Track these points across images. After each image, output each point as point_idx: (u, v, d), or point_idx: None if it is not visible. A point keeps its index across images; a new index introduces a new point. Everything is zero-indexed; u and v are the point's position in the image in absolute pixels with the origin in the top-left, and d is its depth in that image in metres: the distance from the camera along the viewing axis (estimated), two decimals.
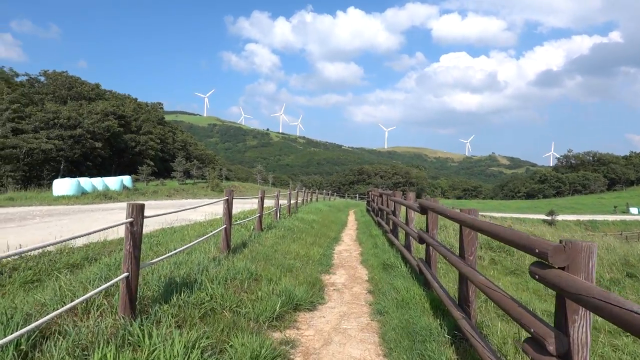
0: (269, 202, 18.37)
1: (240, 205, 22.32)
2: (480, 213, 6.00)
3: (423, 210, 6.32)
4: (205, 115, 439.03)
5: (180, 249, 5.18)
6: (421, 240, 6.34)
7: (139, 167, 41.17)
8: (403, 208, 12.04)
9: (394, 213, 10.37)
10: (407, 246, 8.33)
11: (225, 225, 6.19)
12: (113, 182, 31.86)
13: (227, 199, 6.25)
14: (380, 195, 14.49)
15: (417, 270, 6.58)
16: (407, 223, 8.42)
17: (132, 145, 49.85)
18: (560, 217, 70.79)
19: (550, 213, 69.36)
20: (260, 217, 9.40)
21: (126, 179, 34.44)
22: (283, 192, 18.10)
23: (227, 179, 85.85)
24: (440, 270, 6.87)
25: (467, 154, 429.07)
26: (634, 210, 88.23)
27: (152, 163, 52.97)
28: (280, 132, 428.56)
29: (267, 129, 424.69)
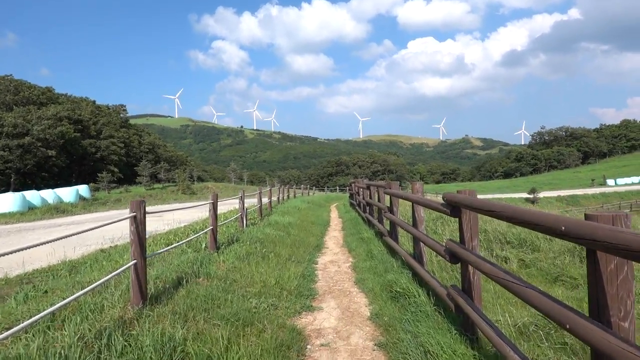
0: (236, 205, 15.85)
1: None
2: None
3: (454, 210, 3.98)
4: (176, 116, 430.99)
5: (41, 315, 2.68)
6: (454, 259, 4.00)
7: (98, 175, 37.74)
8: (403, 202, 9.77)
9: (390, 210, 8.03)
10: (418, 257, 6.02)
11: (134, 261, 3.71)
12: (67, 194, 28.59)
13: (136, 216, 3.76)
14: (368, 188, 12.14)
15: (448, 304, 4.23)
16: (414, 225, 6.10)
17: (92, 151, 46.03)
18: (541, 194, 70.42)
19: (532, 191, 68.83)
20: (214, 231, 6.90)
21: (82, 189, 31.14)
22: (252, 191, 15.55)
23: (202, 179, 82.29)
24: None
25: (441, 138, 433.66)
26: (610, 182, 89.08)
27: (116, 169, 49.43)
28: (255, 128, 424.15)
29: (241, 127, 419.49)
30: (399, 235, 7.94)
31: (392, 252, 7.42)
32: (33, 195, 25.37)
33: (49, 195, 26.72)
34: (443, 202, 4.18)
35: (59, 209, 25.71)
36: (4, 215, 21.91)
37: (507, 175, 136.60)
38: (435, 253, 5.45)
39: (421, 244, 5.97)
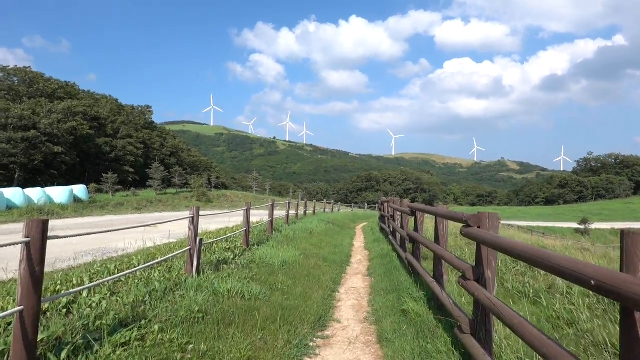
0: (256, 217, 11.76)
1: (217, 223, 15.67)
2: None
3: None
4: (212, 124, 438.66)
5: None
6: None
7: (103, 175, 34.67)
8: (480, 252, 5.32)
9: (478, 276, 3.57)
10: None
11: None
12: (59, 193, 25.31)
13: None
14: (413, 213, 7.66)
15: None
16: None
17: (106, 150, 43.34)
18: (592, 226, 63.33)
19: (583, 221, 61.76)
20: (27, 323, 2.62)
21: (79, 189, 27.88)
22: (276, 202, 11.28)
23: (226, 187, 79.17)
24: None
25: (475, 160, 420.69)
26: None
27: (131, 170, 46.66)
28: (287, 140, 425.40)
29: (274, 137, 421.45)
30: (494, 326, 3.48)
31: None
32: (15, 193, 22.14)
33: (36, 194, 23.46)
34: None
35: (44, 211, 22.37)
36: None
37: (548, 202, 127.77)
38: None
39: None
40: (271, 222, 11.43)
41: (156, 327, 3.57)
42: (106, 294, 4.40)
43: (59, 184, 34.26)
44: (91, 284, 4.14)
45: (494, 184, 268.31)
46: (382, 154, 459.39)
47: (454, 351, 3.68)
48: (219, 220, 17.86)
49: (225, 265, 6.50)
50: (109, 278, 4.54)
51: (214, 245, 8.23)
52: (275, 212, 11.96)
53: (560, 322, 4.92)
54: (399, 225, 9.96)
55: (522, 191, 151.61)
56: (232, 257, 7.29)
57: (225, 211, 10.28)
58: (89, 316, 3.57)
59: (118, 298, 4.26)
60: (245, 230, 8.51)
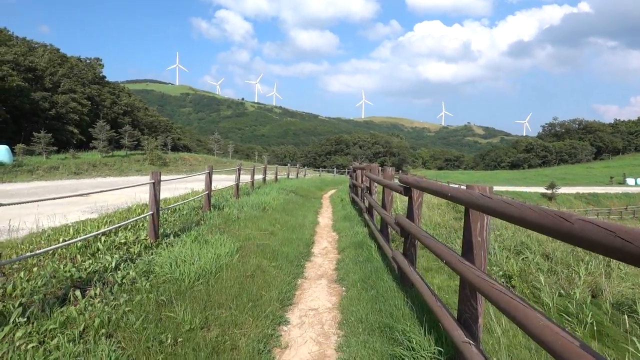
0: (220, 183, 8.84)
1: (169, 190, 12.54)
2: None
3: None
4: (177, 84, 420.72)
5: None
6: None
7: (34, 135, 30.22)
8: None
9: None
10: None
11: None
12: None
13: None
14: (407, 191, 4.92)
15: None
16: None
17: (45, 106, 38.33)
18: (558, 190, 63.55)
19: (551, 186, 61.70)
20: None
21: None
22: (233, 167, 8.34)
23: (188, 149, 74.45)
24: None
25: (443, 124, 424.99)
26: (630, 181, 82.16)
27: (76, 130, 41.93)
28: (256, 101, 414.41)
29: (242, 99, 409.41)
30: None
31: None
32: None
33: None
34: None
35: None
36: None
37: (514, 166, 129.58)
38: None
39: None
40: (208, 196, 8.51)
41: None
42: None
43: None
44: None
45: (460, 148, 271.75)
46: (352, 117, 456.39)
47: None
48: (176, 186, 14.65)
49: (77, 294, 3.59)
50: None
51: (99, 239, 5.28)
52: (229, 178, 9.08)
53: None
54: (379, 204, 7.30)
55: (488, 155, 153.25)
56: (113, 265, 4.39)
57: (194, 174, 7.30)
58: None
59: None
60: (152, 214, 5.57)
